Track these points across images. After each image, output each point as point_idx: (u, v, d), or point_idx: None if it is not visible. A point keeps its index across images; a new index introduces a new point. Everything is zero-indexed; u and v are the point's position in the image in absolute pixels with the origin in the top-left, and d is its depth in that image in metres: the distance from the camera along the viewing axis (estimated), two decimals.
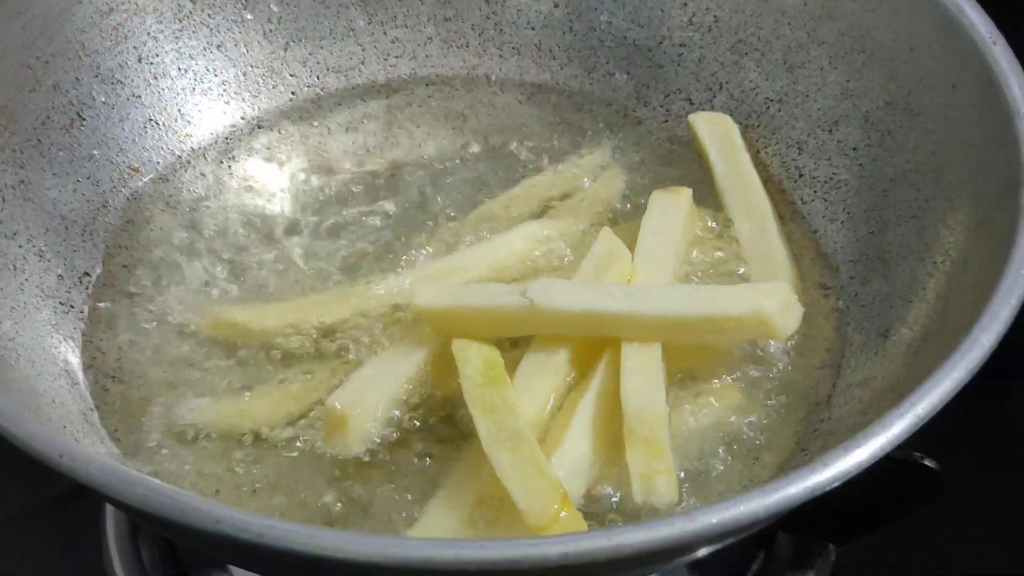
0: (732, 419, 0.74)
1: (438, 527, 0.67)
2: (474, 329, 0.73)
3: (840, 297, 0.80)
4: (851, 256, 0.82)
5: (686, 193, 0.84)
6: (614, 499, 0.69)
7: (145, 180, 0.87)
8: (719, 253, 0.82)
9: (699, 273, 0.81)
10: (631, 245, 0.79)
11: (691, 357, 0.76)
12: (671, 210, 0.82)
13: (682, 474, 0.71)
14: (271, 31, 0.93)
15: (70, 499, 0.84)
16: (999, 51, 0.75)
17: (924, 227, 0.77)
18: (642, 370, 0.72)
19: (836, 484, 0.57)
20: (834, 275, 0.82)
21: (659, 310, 0.72)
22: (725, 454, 0.72)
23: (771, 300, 0.71)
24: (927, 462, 0.75)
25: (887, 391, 0.69)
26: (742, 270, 0.81)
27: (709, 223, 0.84)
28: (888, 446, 0.58)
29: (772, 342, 0.76)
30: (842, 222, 0.84)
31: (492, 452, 0.67)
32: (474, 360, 0.71)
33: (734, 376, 0.76)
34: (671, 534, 0.54)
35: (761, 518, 0.56)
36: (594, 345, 0.74)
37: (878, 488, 0.75)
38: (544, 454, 0.68)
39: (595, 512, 0.69)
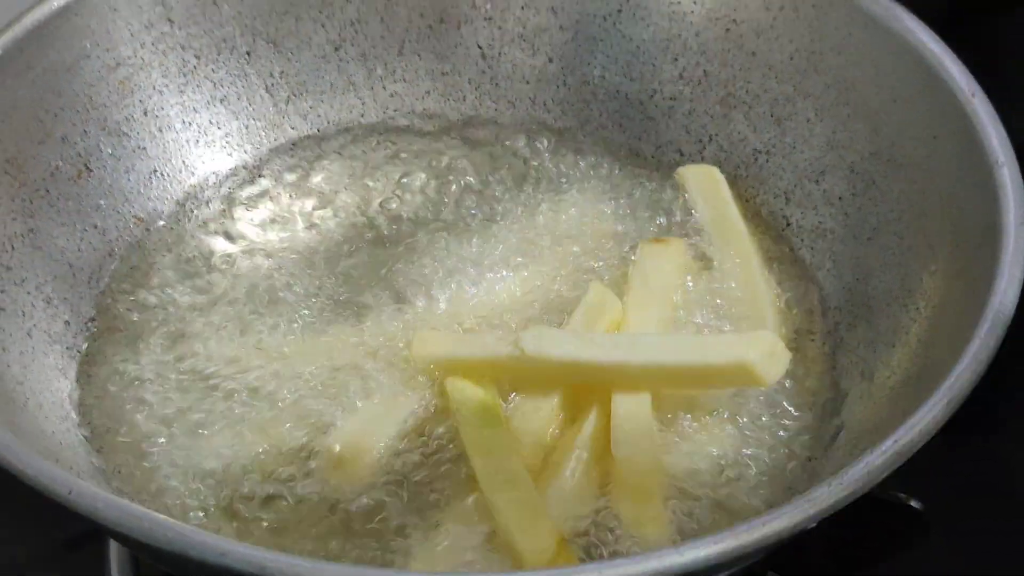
0: (722, 459, 0.75)
1: (437, 562, 0.68)
2: (470, 376, 0.75)
3: (826, 342, 0.82)
4: (837, 303, 0.83)
5: (676, 243, 0.85)
6: (608, 540, 0.71)
7: (150, 229, 0.88)
8: (707, 302, 0.83)
9: (688, 322, 0.82)
10: (622, 294, 0.81)
11: (684, 396, 0.77)
12: (661, 260, 0.84)
13: (672, 513, 0.72)
14: (273, 85, 0.94)
15: (76, 544, 0.84)
16: (978, 103, 0.76)
17: (907, 274, 0.78)
18: (632, 418, 0.72)
19: (820, 519, 0.58)
20: (820, 321, 0.83)
21: (645, 360, 0.73)
22: (714, 493, 0.73)
23: (756, 350, 0.71)
24: (912, 503, 0.77)
25: (871, 432, 0.70)
26: (730, 319, 0.82)
27: (698, 272, 0.85)
28: (870, 482, 0.59)
29: None
30: (828, 269, 0.85)
31: (490, 493, 0.69)
32: (469, 401, 0.72)
33: (724, 417, 0.77)
34: (660, 568, 0.55)
35: (748, 552, 0.57)
36: (587, 386, 0.75)
37: (864, 529, 0.76)
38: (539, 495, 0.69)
39: (589, 555, 0.70)
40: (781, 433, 0.77)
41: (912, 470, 0.62)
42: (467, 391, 0.73)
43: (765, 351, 0.72)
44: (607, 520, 0.71)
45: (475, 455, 0.70)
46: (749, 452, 0.76)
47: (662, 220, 0.89)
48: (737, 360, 0.71)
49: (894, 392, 0.73)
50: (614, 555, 0.70)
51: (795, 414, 0.78)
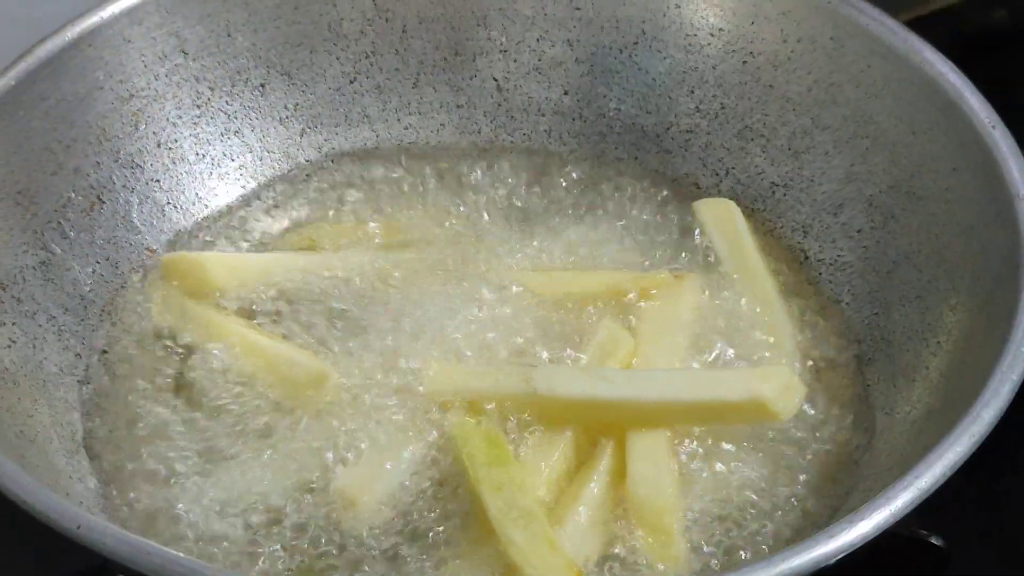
0: (740, 495, 0.74)
1: None
2: (482, 407, 0.74)
3: (845, 376, 0.81)
4: (856, 336, 0.83)
5: (690, 278, 0.85)
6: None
7: (162, 262, 0.87)
8: (724, 337, 0.82)
9: (703, 357, 0.81)
10: (634, 329, 0.80)
11: (702, 430, 0.76)
12: (675, 295, 0.83)
13: (690, 549, 0.71)
14: (287, 118, 0.94)
15: None
16: (998, 135, 0.76)
17: (927, 308, 0.78)
18: (648, 456, 0.72)
19: (841, 556, 0.58)
20: (839, 355, 0.82)
21: (658, 397, 0.73)
22: (733, 529, 0.73)
23: (769, 384, 0.71)
24: (933, 539, 0.76)
25: (892, 468, 0.69)
26: (747, 354, 0.81)
27: (713, 307, 0.84)
28: (892, 519, 0.59)
29: None
30: (847, 303, 0.85)
31: (504, 531, 0.68)
32: (474, 439, 0.72)
33: (742, 452, 0.76)
34: None
35: None
36: (602, 421, 0.74)
37: (885, 566, 0.75)
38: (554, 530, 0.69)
39: None
40: (800, 468, 0.76)
41: (934, 506, 0.61)
42: (470, 428, 0.72)
43: (779, 386, 0.72)
44: (625, 556, 0.71)
45: (487, 492, 0.69)
46: (768, 487, 0.75)
47: (677, 254, 0.89)
48: (751, 396, 0.72)
49: (915, 427, 0.72)
50: None
51: (814, 449, 0.77)
